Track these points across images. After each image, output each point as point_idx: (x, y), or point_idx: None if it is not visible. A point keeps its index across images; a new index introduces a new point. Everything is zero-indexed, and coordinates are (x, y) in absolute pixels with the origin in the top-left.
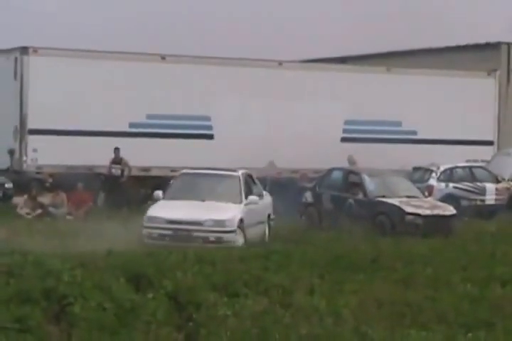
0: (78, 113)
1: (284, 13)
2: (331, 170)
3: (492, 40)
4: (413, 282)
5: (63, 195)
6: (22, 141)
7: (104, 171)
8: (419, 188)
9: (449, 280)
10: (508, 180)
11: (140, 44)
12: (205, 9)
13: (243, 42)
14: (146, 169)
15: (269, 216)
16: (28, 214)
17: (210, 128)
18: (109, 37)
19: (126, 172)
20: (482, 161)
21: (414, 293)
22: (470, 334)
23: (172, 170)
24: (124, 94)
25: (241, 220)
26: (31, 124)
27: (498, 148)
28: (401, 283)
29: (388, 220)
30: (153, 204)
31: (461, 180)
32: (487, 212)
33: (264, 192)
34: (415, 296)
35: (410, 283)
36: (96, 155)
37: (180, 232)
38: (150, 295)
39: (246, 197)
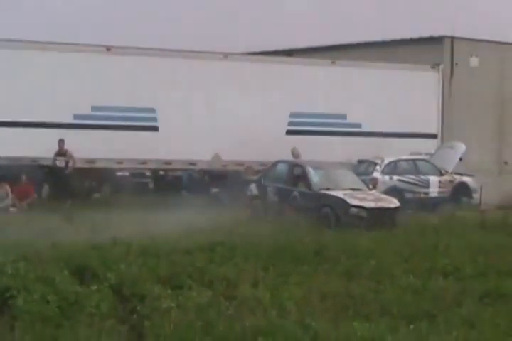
0: (22, 104)
1: (231, 4)
2: (276, 163)
3: (435, 33)
4: (357, 274)
5: (7, 187)
6: None
7: (48, 163)
8: (363, 181)
9: (392, 272)
10: (451, 173)
11: (86, 35)
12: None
13: (188, 33)
14: (91, 161)
15: None
16: None
17: (155, 120)
18: (57, 28)
19: (70, 164)
20: (425, 154)
21: (358, 285)
22: (412, 326)
23: (117, 162)
24: (69, 86)
25: None
26: None
27: (442, 141)
28: (345, 275)
29: (333, 213)
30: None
31: (405, 172)
32: (430, 205)
33: None
34: (359, 288)
35: (354, 275)
36: (40, 146)
37: None
38: (94, 288)
39: None
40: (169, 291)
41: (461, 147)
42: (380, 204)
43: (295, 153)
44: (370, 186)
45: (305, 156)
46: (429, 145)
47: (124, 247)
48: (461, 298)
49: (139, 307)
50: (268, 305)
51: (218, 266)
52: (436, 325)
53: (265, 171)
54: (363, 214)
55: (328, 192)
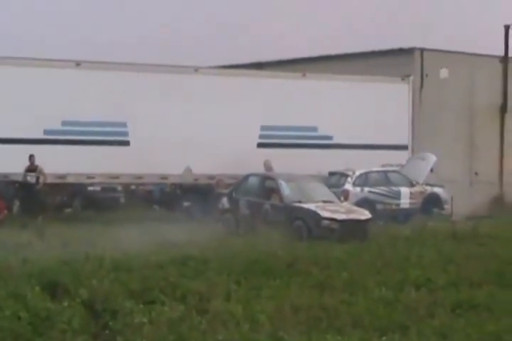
0: None
1: (203, 18)
2: (247, 176)
3: (405, 45)
4: (329, 286)
5: None
6: None
7: (19, 179)
8: (334, 193)
9: (364, 284)
10: (422, 184)
11: (56, 50)
12: (119, 14)
13: (160, 47)
14: (62, 176)
15: None
16: None
17: (126, 134)
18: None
19: (41, 180)
20: (396, 165)
21: (330, 298)
22: (384, 338)
23: (88, 177)
24: (39, 101)
25: None
26: None
27: (413, 153)
28: (317, 288)
29: (305, 225)
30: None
31: (376, 184)
32: (402, 216)
33: None
34: (331, 300)
35: (326, 288)
36: (11, 162)
37: None
38: (66, 304)
39: None
40: (141, 306)
41: (431, 158)
42: (351, 216)
43: (267, 166)
44: (342, 198)
45: (276, 169)
46: (400, 157)
47: (96, 262)
48: (433, 309)
49: (111, 323)
50: (241, 319)
51: (190, 280)
52: (408, 337)
53: (237, 184)
54: (335, 226)
55: (299, 204)
